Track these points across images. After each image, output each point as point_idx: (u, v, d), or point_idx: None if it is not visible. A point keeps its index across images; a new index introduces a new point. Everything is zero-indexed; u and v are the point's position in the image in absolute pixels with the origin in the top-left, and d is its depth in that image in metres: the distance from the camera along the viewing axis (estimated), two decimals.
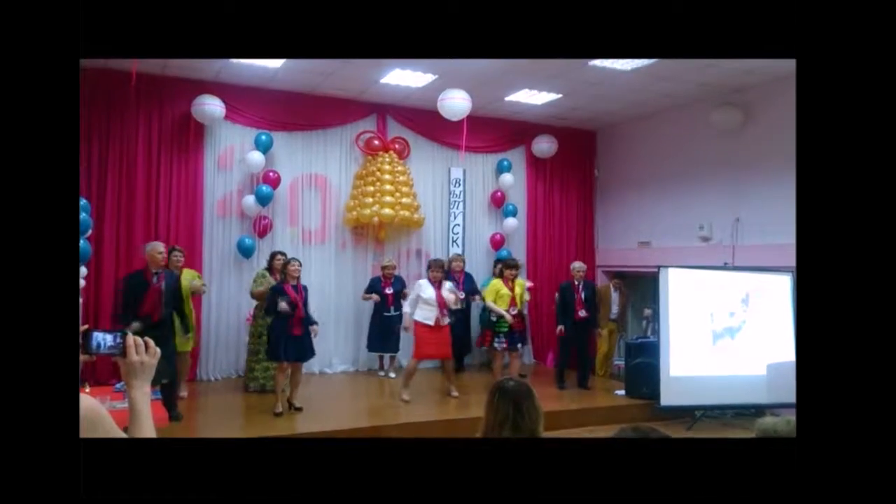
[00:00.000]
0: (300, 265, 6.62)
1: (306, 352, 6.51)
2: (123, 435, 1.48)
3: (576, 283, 8.12)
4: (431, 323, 7.02)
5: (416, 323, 7.09)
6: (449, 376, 7.38)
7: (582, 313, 8.00)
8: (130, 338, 1.53)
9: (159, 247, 6.09)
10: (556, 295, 8.54)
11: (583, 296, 8.05)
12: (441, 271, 7.26)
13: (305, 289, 6.61)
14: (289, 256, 7.42)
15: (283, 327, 6.34)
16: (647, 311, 8.96)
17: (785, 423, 2.13)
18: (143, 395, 1.53)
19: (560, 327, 8.10)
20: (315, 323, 6.60)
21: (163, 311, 5.90)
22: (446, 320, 7.13)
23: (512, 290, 7.42)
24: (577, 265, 8.30)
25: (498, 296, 7.41)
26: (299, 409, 6.49)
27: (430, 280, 7.20)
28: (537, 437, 2.39)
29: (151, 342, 1.57)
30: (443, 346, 7.16)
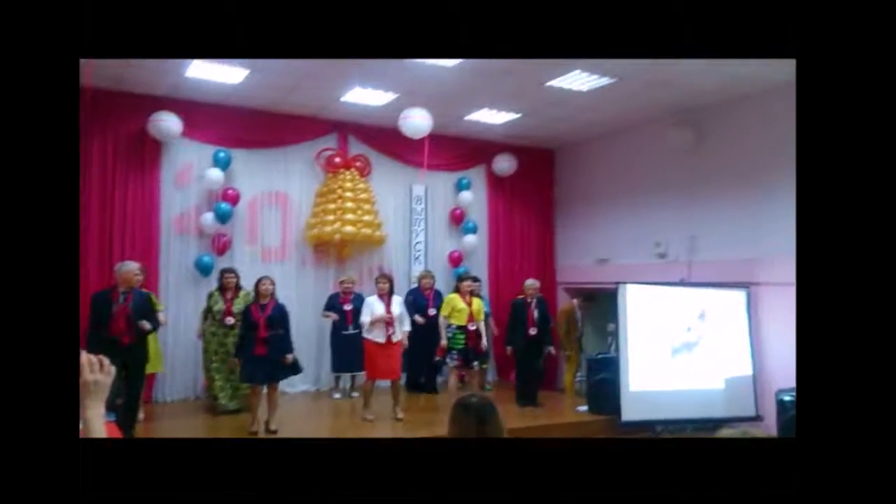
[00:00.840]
0: (272, 283, 6.52)
1: (271, 372, 6.36)
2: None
3: (528, 300, 8.06)
4: (382, 340, 6.90)
5: (367, 341, 6.98)
6: (395, 397, 7.14)
7: (532, 332, 7.92)
8: (84, 356, 1.49)
9: (135, 268, 5.96)
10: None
11: (535, 314, 7.98)
12: (387, 283, 7.13)
13: (281, 307, 6.53)
14: (241, 273, 7.46)
15: (248, 347, 6.26)
16: (612, 326, 9.08)
17: (741, 434, 2.17)
18: (97, 416, 1.50)
19: (509, 348, 8.10)
20: (288, 352, 6.43)
21: (135, 332, 5.80)
22: (397, 336, 7.00)
23: (469, 304, 7.38)
24: (530, 282, 8.19)
25: (455, 311, 7.33)
26: (273, 432, 6.34)
27: (378, 295, 7.10)
28: None
29: (106, 360, 1.53)
30: (392, 366, 7.02)
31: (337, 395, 8.35)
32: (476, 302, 7.50)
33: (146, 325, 5.94)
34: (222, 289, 7.33)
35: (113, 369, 1.53)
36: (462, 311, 7.30)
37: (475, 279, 8.47)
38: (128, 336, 5.77)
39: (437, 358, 7.67)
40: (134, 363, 5.86)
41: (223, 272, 7.44)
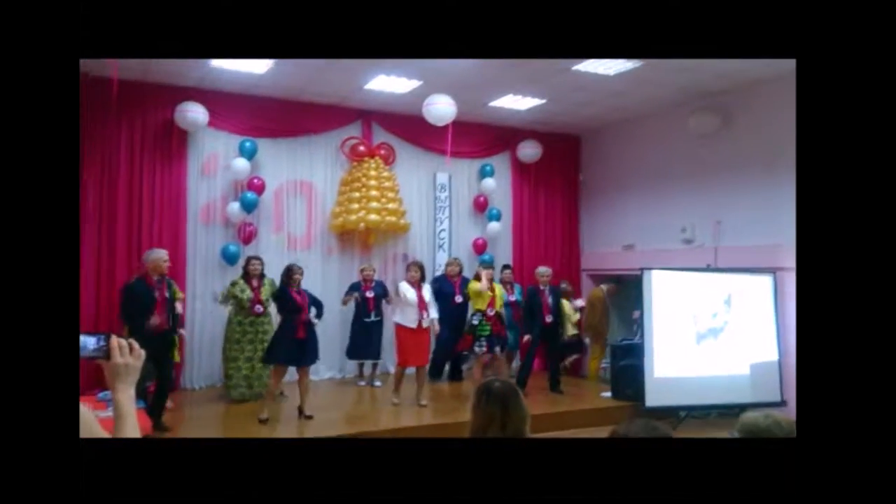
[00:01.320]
0: (301, 272, 6.63)
1: (308, 355, 6.51)
2: (101, 430, 1.46)
3: (541, 287, 8.01)
4: (414, 326, 7.00)
5: (399, 326, 7.07)
6: (420, 385, 7.22)
7: (548, 319, 7.89)
8: (114, 339, 1.50)
9: (164, 255, 6.09)
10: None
11: (549, 301, 7.95)
12: (419, 271, 7.25)
13: (307, 292, 6.68)
14: (266, 262, 7.54)
15: (289, 331, 6.35)
16: (636, 314, 9.01)
17: (764, 417, 2.15)
18: (128, 398, 1.51)
19: (527, 337, 8.07)
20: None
21: (168, 319, 5.96)
22: (427, 322, 7.11)
23: (491, 291, 7.36)
24: (542, 270, 8.12)
25: (479, 296, 7.35)
26: (310, 418, 6.44)
27: (409, 282, 7.18)
28: (524, 436, 2.41)
29: (136, 344, 1.54)
30: (423, 352, 7.13)
31: (362, 383, 8.40)
32: (497, 288, 7.51)
33: (183, 333, 6.34)
34: (247, 276, 7.41)
35: (143, 353, 1.54)
36: (485, 296, 7.31)
37: (505, 266, 8.49)
38: (167, 323, 5.92)
39: (465, 352, 7.58)
40: (165, 349, 6.01)
41: (249, 259, 7.51)
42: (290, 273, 6.56)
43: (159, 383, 6.07)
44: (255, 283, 7.34)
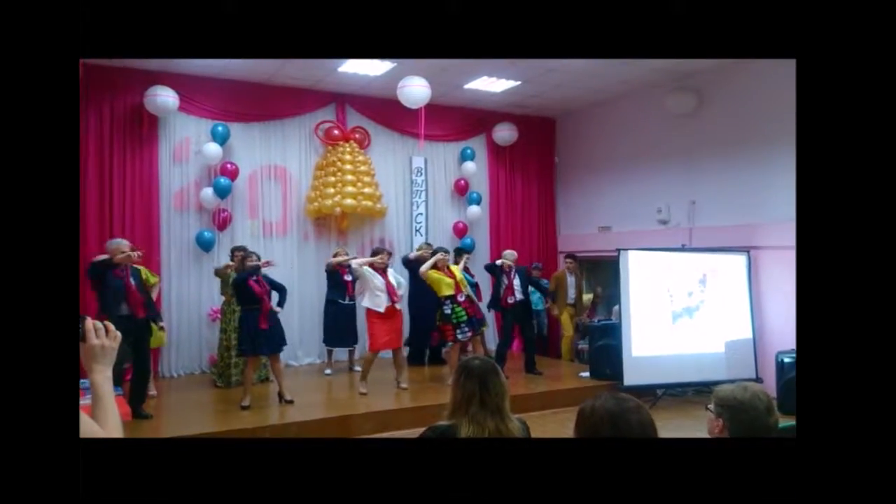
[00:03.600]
0: (258, 259, 6.51)
1: (277, 343, 6.48)
2: (94, 424, 1.44)
3: (507, 269, 7.89)
4: (382, 310, 6.88)
5: (369, 311, 6.97)
6: (399, 367, 7.20)
7: (510, 300, 7.80)
8: (89, 321, 1.50)
9: (124, 245, 5.97)
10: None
11: (515, 281, 7.87)
12: (388, 257, 7.20)
13: (267, 278, 6.55)
14: (248, 249, 7.32)
15: (252, 322, 6.30)
16: (590, 297, 9.22)
17: (742, 389, 2.18)
18: (105, 379, 1.50)
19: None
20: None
21: (144, 306, 5.92)
22: (398, 305, 7.07)
23: (452, 275, 7.24)
24: (508, 253, 8.06)
25: (444, 283, 7.18)
26: (290, 402, 6.42)
27: (373, 268, 7.04)
28: (503, 412, 2.46)
29: (111, 325, 1.53)
30: (395, 335, 7.06)
31: (328, 372, 8.16)
32: (456, 271, 7.35)
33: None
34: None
35: (118, 335, 1.53)
36: (448, 283, 7.19)
37: (444, 251, 8.32)
38: (141, 311, 5.85)
39: (449, 342, 7.46)
40: (144, 337, 5.97)
41: (234, 250, 7.43)
42: (243, 262, 6.46)
43: (137, 370, 6.01)
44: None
